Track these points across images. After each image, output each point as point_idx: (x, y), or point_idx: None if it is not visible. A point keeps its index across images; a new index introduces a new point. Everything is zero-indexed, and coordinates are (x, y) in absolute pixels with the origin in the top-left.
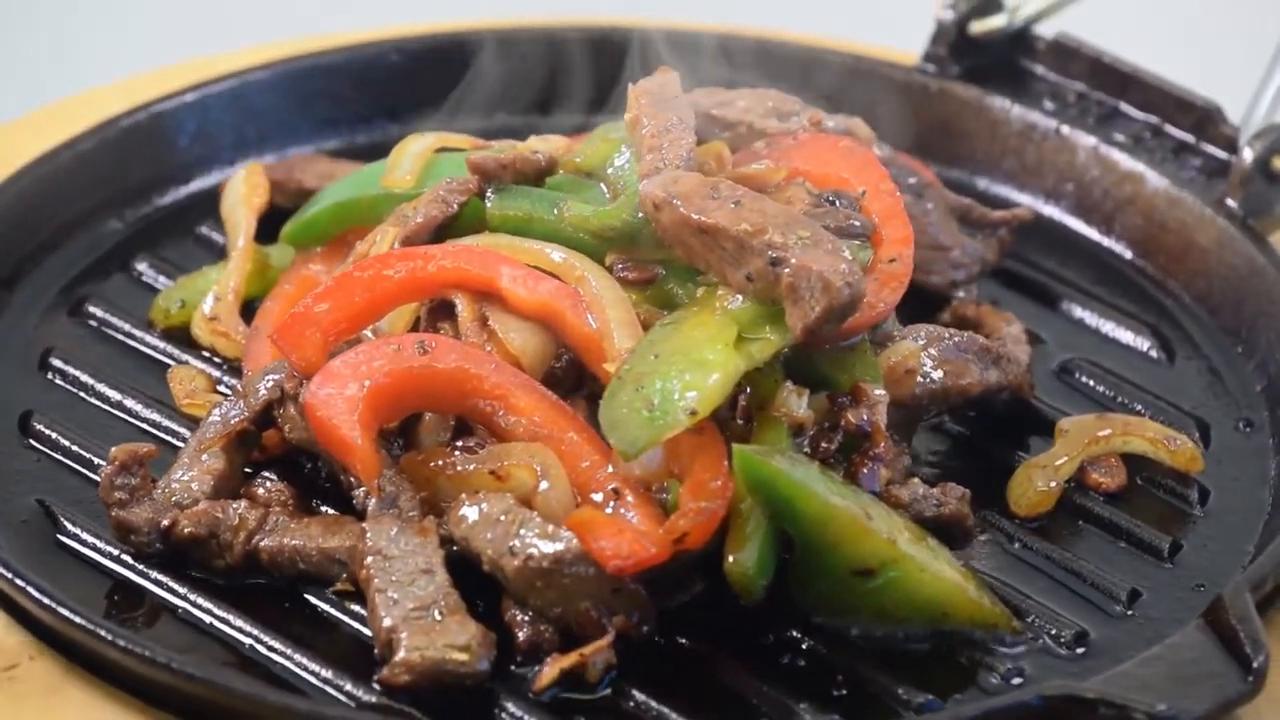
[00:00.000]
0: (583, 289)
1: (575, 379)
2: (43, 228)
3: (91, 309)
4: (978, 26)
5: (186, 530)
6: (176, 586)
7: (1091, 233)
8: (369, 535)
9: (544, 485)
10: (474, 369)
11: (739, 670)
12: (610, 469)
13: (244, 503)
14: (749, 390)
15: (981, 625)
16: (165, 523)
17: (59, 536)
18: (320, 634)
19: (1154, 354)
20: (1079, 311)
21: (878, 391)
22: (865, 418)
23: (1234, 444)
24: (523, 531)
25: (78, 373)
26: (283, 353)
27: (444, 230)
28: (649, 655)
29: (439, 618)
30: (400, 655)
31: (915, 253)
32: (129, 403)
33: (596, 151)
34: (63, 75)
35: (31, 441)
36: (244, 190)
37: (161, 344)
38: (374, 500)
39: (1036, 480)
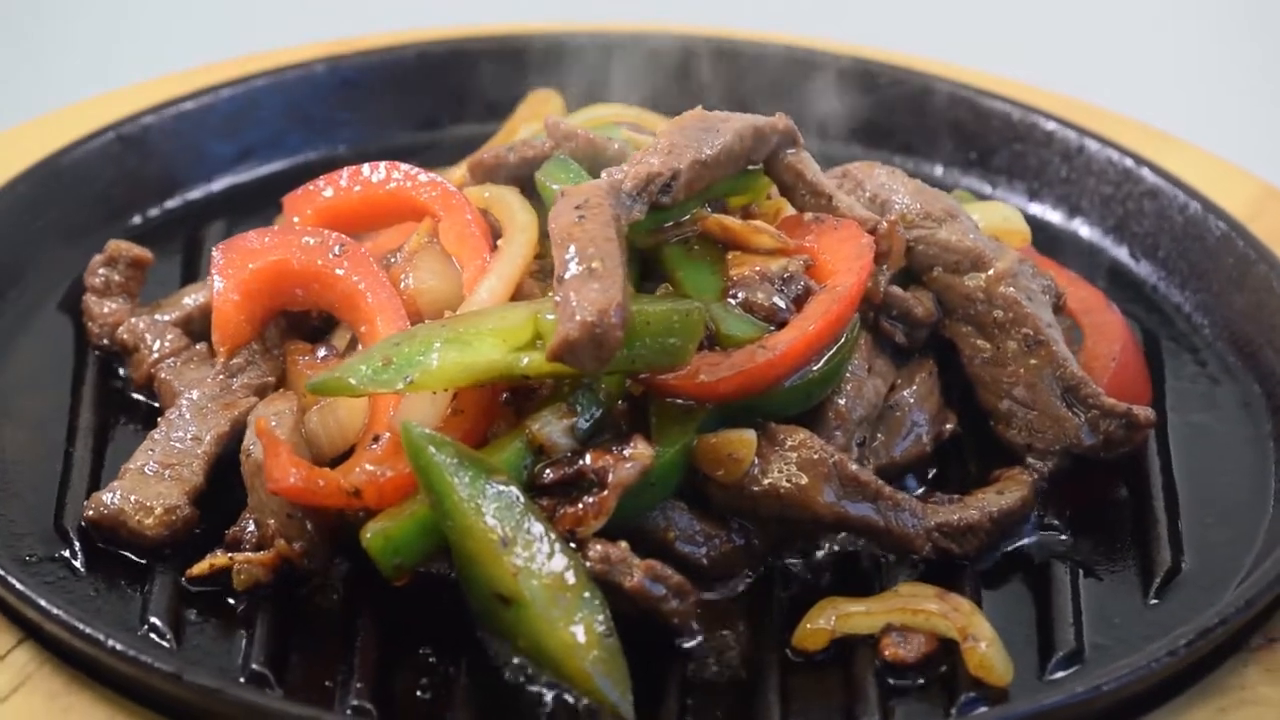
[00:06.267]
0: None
1: None
2: None
3: None
4: None
5: (122, 335)
6: (88, 371)
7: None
8: (185, 389)
9: (322, 402)
10: (363, 286)
11: (369, 641)
12: (392, 413)
13: (176, 332)
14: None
15: (593, 699)
16: (111, 320)
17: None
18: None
19: (1149, 591)
20: (1149, 528)
21: (641, 451)
22: (604, 466)
23: None
24: None
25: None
26: (286, 219)
27: (508, 173)
28: (315, 598)
29: (164, 478)
30: (101, 494)
31: (1004, 403)
32: None
33: None
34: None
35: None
36: (522, 109)
37: None
38: (220, 362)
39: (819, 616)
